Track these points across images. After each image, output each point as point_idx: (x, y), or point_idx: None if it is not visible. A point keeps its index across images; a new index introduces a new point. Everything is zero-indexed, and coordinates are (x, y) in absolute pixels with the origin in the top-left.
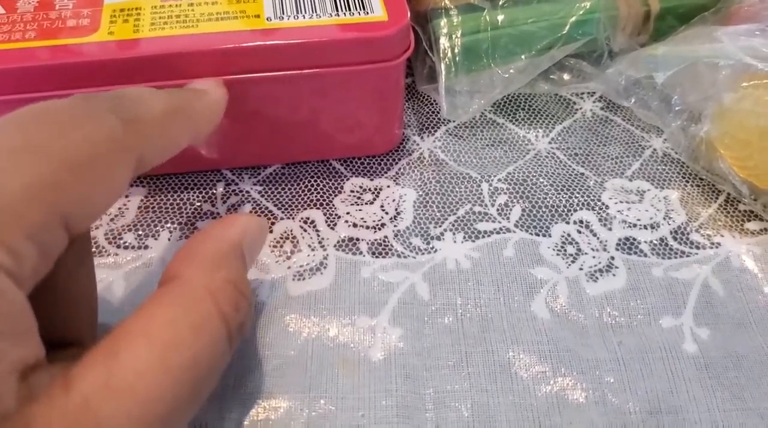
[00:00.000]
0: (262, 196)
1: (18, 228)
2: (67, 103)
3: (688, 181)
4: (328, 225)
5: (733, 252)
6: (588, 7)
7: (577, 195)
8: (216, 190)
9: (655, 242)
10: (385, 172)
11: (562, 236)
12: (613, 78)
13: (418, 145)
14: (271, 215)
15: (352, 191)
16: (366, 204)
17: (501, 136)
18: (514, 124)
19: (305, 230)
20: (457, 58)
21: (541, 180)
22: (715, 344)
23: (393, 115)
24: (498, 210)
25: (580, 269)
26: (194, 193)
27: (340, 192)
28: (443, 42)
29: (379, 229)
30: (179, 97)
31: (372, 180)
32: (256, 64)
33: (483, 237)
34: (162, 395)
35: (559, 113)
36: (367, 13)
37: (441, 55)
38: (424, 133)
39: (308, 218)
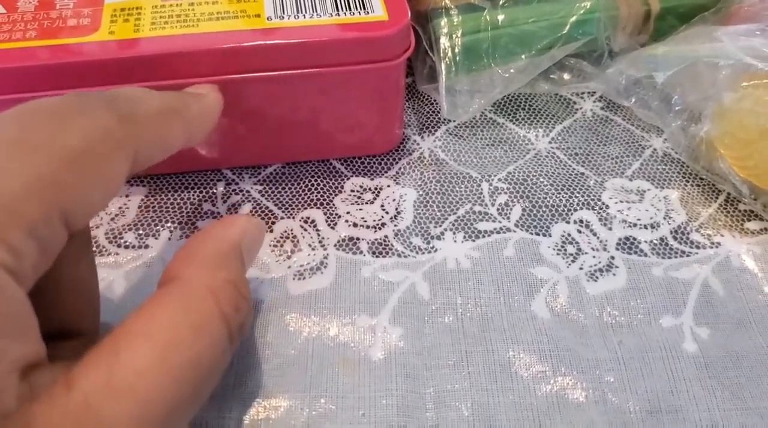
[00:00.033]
0: (263, 195)
1: (17, 225)
2: (62, 100)
3: (688, 181)
4: (329, 225)
5: (733, 251)
6: (588, 6)
7: (578, 194)
8: (216, 189)
9: (655, 242)
10: (386, 172)
11: (563, 236)
12: (614, 78)
13: (418, 144)
14: (272, 214)
15: (352, 191)
16: (366, 203)
17: (501, 136)
18: (514, 123)
19: (305, 229)
20: (458, 58)
21: (542, 179)
22: (715, 343)
23: (393, 114)
24: (498, 209)
25: (581, 269)
26: (195, 192)
27: (340, 191)
28: (443, 42)
29: (380, 229)
30: (175, 99)
31: (372, 179)
32: (257, 63)
33: (483, 236)
34: (163, 395)
35: (560, 113)
36: (368, 12)
37: (441, 54)
38: (425, 132)
39: (308, 218)
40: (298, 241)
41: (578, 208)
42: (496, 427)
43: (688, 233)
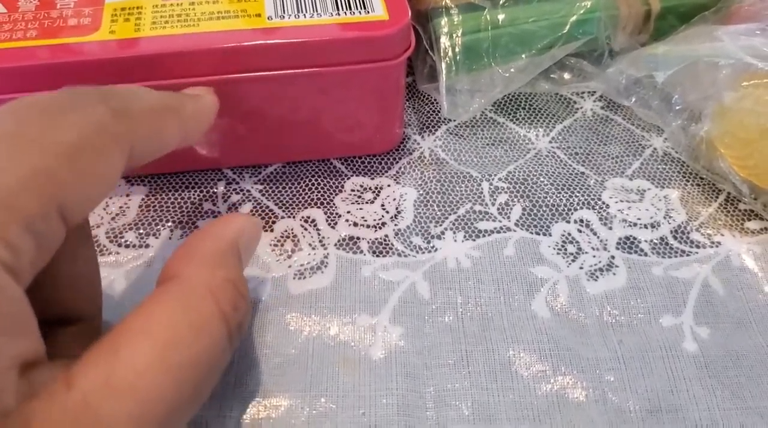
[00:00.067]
0: (263, 194)
1: (14, 220)
2: (57, 95)
3: (688, 180)
4: (329, 224)
5: (733, 251)
6: (588, 6)
7: (578, 194)
8: (217, 188)
9: (656, 241)
10: (386, 171)
11: (563, 235)
12: (614, 77)
13: (418, 144)
14: (272, 214)
15: (352, 190)
16: (366, 203)
17: (501, 135)
18: (514, 123)
19: (306, 229)
20: (458, 57)
21: (542, 179)
22: (715, 343)
23: (393, 114)
24: (498, 209)
25: (581, 268)
26: (195, 191)
27: (340, 191)
28: (444, 41)
29: (380, 228)
30: (170, 97)
31: (372, 179)
32: (257, 63)
33: (483, 236)
34: (162, 394)
35: (560, 112)
36: (368, 12)
37: (441, 54)
38: (425, 132)
39: (309, 217)
40: (298, 241)
41: (578, 207)
42: (496, 426)
43: (688, 232)
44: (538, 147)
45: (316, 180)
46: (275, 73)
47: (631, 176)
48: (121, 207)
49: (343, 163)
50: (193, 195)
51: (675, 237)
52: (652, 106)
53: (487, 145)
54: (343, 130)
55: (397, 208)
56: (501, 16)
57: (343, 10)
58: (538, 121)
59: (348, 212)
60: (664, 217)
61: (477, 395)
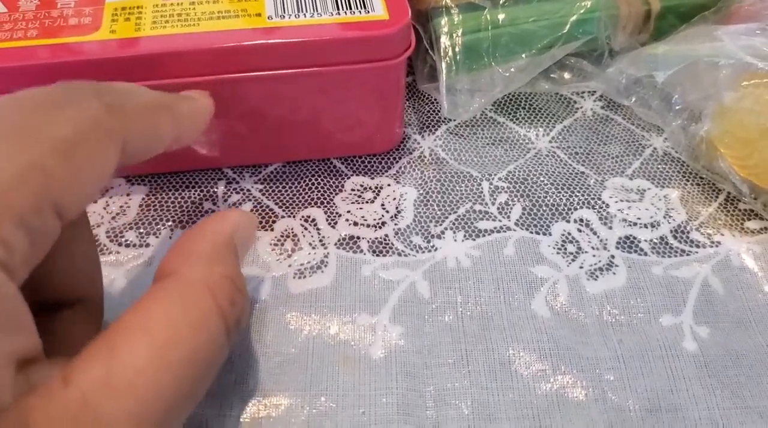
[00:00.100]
0: (263, 194)
1: (7, 217)
2: (50, 90)
3: (688, 180)
4: (329, 224)
5: (733, 250)
6: (589, 6)
7: (578, 193)
8: (217, 188)
9: (656, 241)
10: (386, 171)
11: (563, 235)
12: (614, 77)
13: (418, 143)
14: (272, 213)
15: (352, 190)
16: (367, 202)
17: (501, 135)
18: (514, 122)
19: (306, 228)
20: (458, 57)
21: (542, 178)
22: (714, 342)
23: (394, 113)
24: (498, 208)
25: (581, 267)
26: (195, 191)
27: (340, 190)
28: (444, 41)
29: (380, 228)
30: (164, 96)
31: (373, 178)
32: (257, 62)
33: (483, 235)
34: (161, 391)
35: (560, 112)
36: (368, 11)
37: (442, 53)
38: (425, 131)
39: (309, 216)
40: (298, 240)
41: (578, 207)
42: (496, 426)
43: (688, 232)
44: (538, 146)
45: (317, 179)
46: (275, 73)
47: (631, 176)
48: (121, 206)
49: (343, 163)
50: (194, 194)
51: (675, 237)
52: (652, 105)
53: (487, 144)
54: (344, 130)
55: (397, 208)
56: (501, 16)
57: (343, 9)
58: (538, 120)
59: (348, 211)
60: (664, 217)
61: (477, 394)
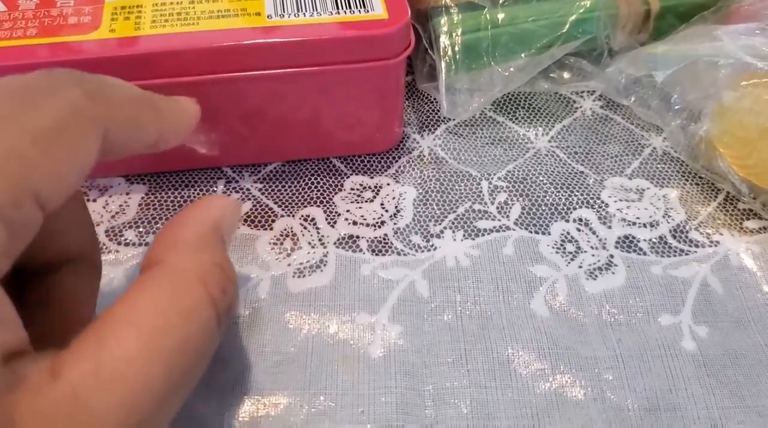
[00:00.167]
0: (263, 193)
1: None
2: (30, 78)
3: (687, 180)
4: (329, 223)
5: (732, 250)
6: (588, 5)
7: (577, 193)
8: (216, 187)
9: (655, 240)
10: (385, 170)
11: (562, 234)
12: (613, 76)
13: (418, 143)
14: (272, 213)
15: (352, 189)
16: (366, 202)
17: (501, 135)
18: (514, 122)
19: (305, 228)
20: (458, 57)
21: (541, 178)
22: (713, 342)
23: (393, 113)
24: (498, 208)
25: (580, 267)
26: (195, 190)
27: (340, 190)
28: (443, 40)
29: (379, 227)
30: (149, 93)
31: (372, 178)
32: (257, 61)
33: (482, 235)
34: (152, 382)
35: (559, 111)
36: (368, 11)
37: (441, 53)
38: (424, 131)
39: (308, 216)
40: (298, 239)
41: (578, 206)
42: (495, 425)
43: (687, 232)
44: (538, 146)
45: (316, 179)
46: (275, 72)
47: (631, 175)
48: (120, 205)
49: (342, 162)
50: (193, 193)
51: (674, 237)
52: (652, 105)
53: (487, 144)
54: (343, 129)
55: (396, 207)
56: (500, 16)
57: (342, 9)
58: (538, 120)
59: (347, 211)
60: (663, 216)
61: (476, 393)
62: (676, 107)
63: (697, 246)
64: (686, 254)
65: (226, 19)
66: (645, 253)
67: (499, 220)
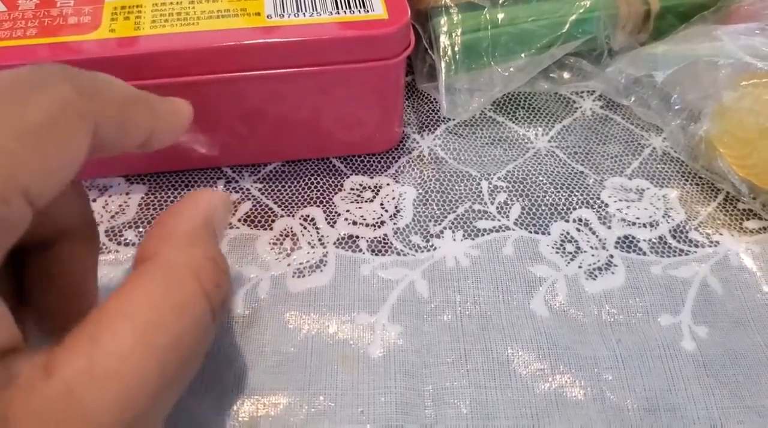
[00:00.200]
0: (263, 193)
1: None
2: (19, 72)
3: (687, 180)
4: (328, 223)
5: (732, 250)
6: (588, 5)
7: (577, 193)
8: (216, 187)
9: (654, 240)
10: (385, 170)
11: (562, 234)
12: (613, 76)
13: (417, 143)
14: (272, 213)
15: (352, 189)
16: (366, 202)
17: (501, 135)
18: (513, 122)
19: (305, 228)
20: (457, 56)
21: (541, 178)
22: (713, 342)
23: (393, 113)
24: (497, 208)
25: (579, 267)
26: (195, 190)
27: (340, 189)
28: (443, 40)
29: (379, 227)
30: (142, 92)
31: (372, 178)
32: (257, 61)
33: (482, 235)
34: (146, 378)
35: (559, 112)
36: (368, 11)
37: (441, 53)
38: (424, 131)
39: (308, 216)
40: (297, 239)
41: (577, 206)
42: (495, 425)
43: (687, 232)
44: (538, 146)
45: (316, 179)
46: (275, 72)
47: (630, 175)
48: (120, 205)
49: (342, 162)
50: None
51: (674, 237)
52: (652, 105)
53: (487, 144)
54: (343, 129)
55: (396, 207)
56: (500, 16)
57: (342, 9)
58: (538, 120)
59: (347, 211)
60: (663, 217)
61: (475, 393)
62: (676, 107)
63: (696, 246)
64: (686, 254)
65: (225, 19)
66: (645, 253)
67: (499, 220)
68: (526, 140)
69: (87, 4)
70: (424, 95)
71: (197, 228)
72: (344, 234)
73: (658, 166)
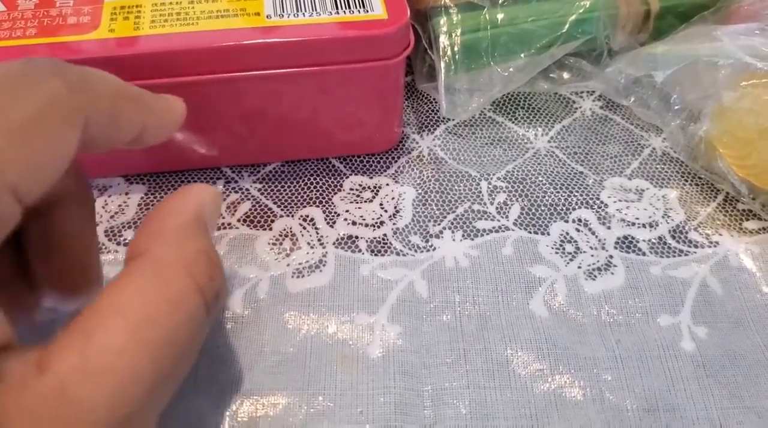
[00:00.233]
0: (262, 193)
1: None
2: (7, 66)
3: (687, 180)
4: (328, 223)
5: (732, 251)
6: (588, 5)
7: (576, 193)
8: (216, 187)
9: (654, 241)
10: (385, 170)
11: (561, 234)
12: (613, 77)
13: (417, 143)
14: (271, 213)
15: (351, 189)
16: (365, 202)
17: (500, 135)
18: (513, 122)
19: (305, 228)
20: (457, 57)
21: (540, 178)
22: (712, 342)
23: (392, 113)
24: (497, 208)
25: (579, 267)
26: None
27: (339, 190)
28: (443, 40)
29: (378, 227)
30: (135, 88)
31: (371, 178)
32: (256, 61)
33: (482, 235)
34: (140, 373)
35: (559, 112)
36: (367, 11)
37: (441, 53)
38: (424, 131)
39: (308, 216)
40: (297, 239)
41: (577, 206)
42: (494, 425)
43: (686, 232)
44: (537, 146)
45: (315, 179)
46: (274, 72)
47: (630, 176)
48: (120, 205)
49: (341, 162)
50: None
51: (673, 237)
52: (651, 105)
53: (486, 144)
54: (342, 129)
55: (395, 207)
56: (500, 16)
57: (342, 9)
58: (537, 120)
59: (347, 211)
60: (663, 217)
61: (474, 394)
62: (676, 107)
63: (696, 246)
64: (685, 255)
65: (225, 19)
66: (644, 254)
67: (499, 221)
68: (525, 140)
69: (86, 4)
70: (423, 95)
71: (188, 223)
72: (343, 235)
73: (658, 166)
